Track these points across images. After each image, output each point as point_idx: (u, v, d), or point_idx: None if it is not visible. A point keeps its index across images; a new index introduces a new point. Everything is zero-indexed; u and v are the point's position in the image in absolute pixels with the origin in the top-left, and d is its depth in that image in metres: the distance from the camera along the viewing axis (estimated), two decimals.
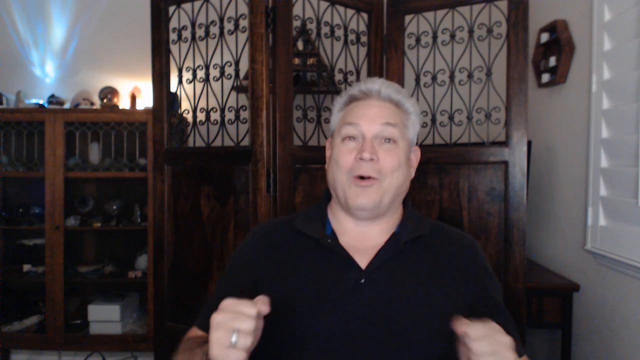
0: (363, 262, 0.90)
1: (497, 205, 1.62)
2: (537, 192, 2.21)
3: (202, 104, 1.75)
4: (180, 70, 1.77)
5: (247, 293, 0.94)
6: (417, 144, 1.02)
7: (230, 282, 0.98)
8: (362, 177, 0.90)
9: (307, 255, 0.93)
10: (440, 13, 1.72)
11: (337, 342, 0.84)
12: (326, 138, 1.19)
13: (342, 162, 0.92)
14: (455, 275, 0.91)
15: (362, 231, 0.95)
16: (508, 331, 0.87)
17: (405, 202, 1.00)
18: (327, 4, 1.72)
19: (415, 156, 1.01)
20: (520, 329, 1.59)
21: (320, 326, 0.85)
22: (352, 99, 0.98)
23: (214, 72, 1.73)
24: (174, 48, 1.78)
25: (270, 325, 0.88)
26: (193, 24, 1.74)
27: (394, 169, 0.91)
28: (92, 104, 2.84)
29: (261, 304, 0.70)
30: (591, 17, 1.73)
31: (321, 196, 1.04)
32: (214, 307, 0.96)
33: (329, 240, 0.92)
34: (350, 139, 0.93)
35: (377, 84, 0.96)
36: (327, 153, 1.02)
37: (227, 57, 1.70)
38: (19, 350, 2.85)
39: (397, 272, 0.89)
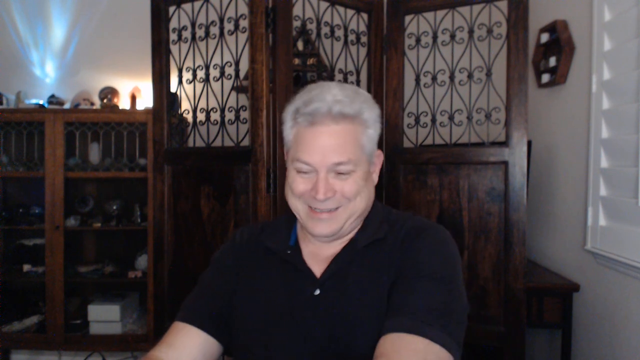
0: (320, 272, 0.88)
1: (497, 205, 1.62)
2: (537, 192, 2.21)
3: (202, 104, 1.75)
4: (180, 71, 1.77)
5: (228, 298, 0.93)
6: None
7: (216, 282, 0.95)
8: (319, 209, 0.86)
9: (270, 270, 0.92)
10: (440, 13, 1.72)
11: (296, 356, 0.83)
12: None
13: (296, 191, 0.87)
14: (392, 268, 0.85)
15: (327, 241, 0.92)
16: (402, 300, 0.78)
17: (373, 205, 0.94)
18: (327, 4, 1.72)
19: (378, 160, 0.94)
20: (521, 328, 1.59)
21: (281, 341, 0.85)
22: (301, 119, 0.85)
23: (214, 72, 1.73)
24: (174, 48, 1.78)
25: (239, 342, 0.89)
26: (193, 24, 1.74)
27: (355, 195, 0.86)
28: (92, 104, 2.84)
29: None
30: (591, 17, 1.73)
31: None
32: (198, 301, 0.94)
33: (288, 252, 0.91)
34: (303, 172, 0.86)
35: (327, 103, 0.82)
36: (286, 156, 0.94)
37: (227, 57, 1.70)
38: (19, 350, 2.86)
39: (350, 280, 0.86)
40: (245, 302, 0.91)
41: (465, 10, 1.68)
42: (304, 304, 0.86)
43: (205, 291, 0.96)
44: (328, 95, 0.83)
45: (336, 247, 0.91)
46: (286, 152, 0.93)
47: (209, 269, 0.99)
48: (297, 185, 0.86)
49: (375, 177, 0.93)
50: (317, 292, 0.86)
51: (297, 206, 0.89)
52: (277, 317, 0.87)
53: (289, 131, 0.89)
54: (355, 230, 0.92)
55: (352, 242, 0.90)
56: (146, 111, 2.65)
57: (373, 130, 0.88)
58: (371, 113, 0.87)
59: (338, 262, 0.88)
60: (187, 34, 1.75)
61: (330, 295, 0.85)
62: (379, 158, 0.94)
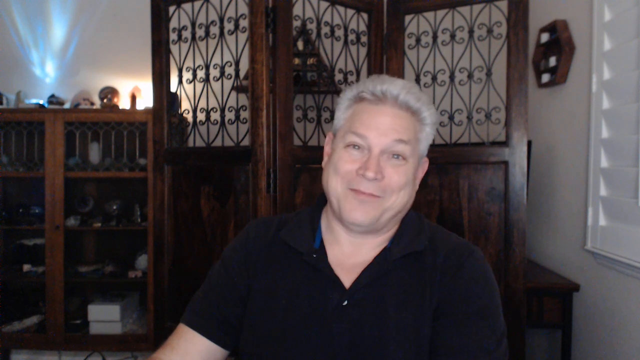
0: (348, 281, 0.82)
1: (497, 205, 1.62)
2: (537, 192, 2.21)
3: (202, 104, 1.75)
4: (180, 70, 1.77)
5: (237, 301, 0.88)
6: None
7: (224, 283, 0.91)
8: (361, 192, 0.81)
9: (291, 271, 0.86)
10: (440, 13, 1.72)
11: None
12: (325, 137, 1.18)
13: (341, 170, 0.82)
14: (433, 289, 0.81)
15: (355, 243, 0.87)
16: (455, 344, 0.75)
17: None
18: (327, 4, 1.72)
19: (422, 169, 0.91)
20: (521, 328, 1.59)
21: (299, 350, 0.80)
22: (364, 99, 0.84)
23: (214, 72, 1.73)
24: (174, 48, 1.78)
25: (249, 347, 0.84)
26: (193, 24, 1.74)
27: (400, 188, 0.82)
28: (92, 104, 2.85)
29: None
30: (591, 17, 1.73)
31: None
32: (204, 304, 0.89)
33: (314, 256, 0.85)
34: (354, 147, 0.82)
35: (397, 88, 0.82)
36: (326, 148, 0.92)
37: (227, 57, 1.70)
38: (19, 350, 2.85)
39: (381, 293, 0.80)
40: (258, 303, 0.86)
41: (465, 10, 1.68)
42: (329, 314, 0.80)
43: (212, 293, 0.91)
44: (399, 82, 0.84)
45: (365, 255, 0.86)
46: (333, 134, 0.91)
47: (219, 266, 0.93)
48: (343, 163, 0.82)
49: (417, 185, 0.89)
50: (346, 302, 0.80)
51: (336, 188, 0.83)
52: (296, 323, 0.81)
53: (343, 112, 0.88)
54: (388, 237, 0.87)
55: (385, 251, 0.85)
56: (146, 111, 2.65)
57: (430, 129, 0.88)
58: (430, 114, 0.87)
59: (372, 273, 0.82)
60: (187, 33, 1.75)
61: (360, 307, 0.80)
62: (423, 166, 0.92)
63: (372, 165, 0.79)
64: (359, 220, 0.82)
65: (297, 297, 0.83)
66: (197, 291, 0.94)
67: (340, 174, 0.83)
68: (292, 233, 0.89)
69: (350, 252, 0.87)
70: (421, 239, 0.85)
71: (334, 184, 0.84)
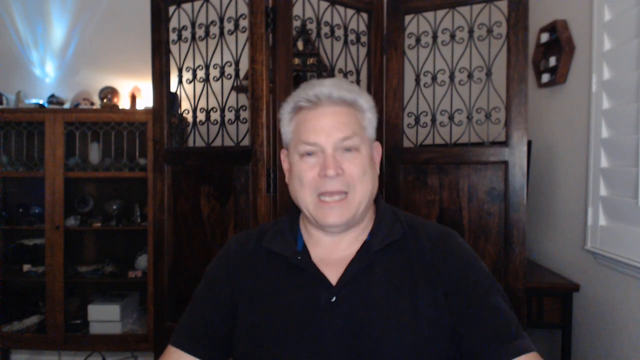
0: (334, 277, 0.85)
1: (497, 205, 1.62)
2: (537, 192, 2.21)
3: (202, 104, 1.75)
4: (180, 70, 1.77)
5: (224, 315, 0.89)
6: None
7: (209, 300, 0.91)
8: (329, 193, 0.85)
9: (278, 276, 0.88)
10: (440, 13, 1.72)
11: None
12: None
13: (305, 179, 0.86)
14: (428, 275, 0.84)
15: (334, 241, 0.90)
16: (489, 324, 0.79)
17: (376, 202, 0.95)
18: (327, 4, 1.72)
19: (377, 152, 0.95)
20: None
21: (294, 351, 0.81)
22: (301, 108, 0.89)
23: (214, 72, 1.73)
24: (174, 48, 1.78)
25: (247, 353, 0.85)
26: (193, 24, 1.74)
27: (361, 177, 0.86)
28: (92, 104, 2.85)
29: None
30: (591, 17, 1.73)
31: None
32: (189, 323, 0.90)
33: (298, 257, 0.87)
34: (309, 155, 0.86)
35: (327, 87, 0.87)
36: (284, 165, 0.96)
37: (227, 57, 1.70)
38: (19, 350, 2.86)
39: (369, 285, 0.83)
40: (248, 312, 0.87)
41: (465, 10, 1.68)
42: (320, 312, 0.82)
43: (197, 311, 0.92)
44: (327, 82, 0.89)
45: (346, 250, 0.89)
46: (285, 149, 0.95)
47: (202, 285, 0.95)
48: (305, 173, 0.86)
49: (377, 169, 0.93)
50: (334, 299, 0.82)
51: (306, 199, 0.87)
52: (288, 325, 0.83)
53: (287, 126, 0.91)
54: (366, 230, 0.91)
55: (365, 244, 0.88)
56: (146, 111, 2.65)
57: (371, 115, 0.92)
58: (367, 101, 0.91)
59: (356, 266, 0.85)
60: (187, 33, 1.75)
61: (349, 302, 0.82)
62: (377, 150, 0.95)
63: (330, 164, 0.84)
64: (335, 222, 0.86)
65: (286, 300, 0.85)
66: (184, 313, 0.94)
67: (305, 183, 0.87)
68: (274, 240, 0.92)
69: (331, 248, 0.90)
70: (397, 228, 0.89)
71: (303, 195, 0.87)
